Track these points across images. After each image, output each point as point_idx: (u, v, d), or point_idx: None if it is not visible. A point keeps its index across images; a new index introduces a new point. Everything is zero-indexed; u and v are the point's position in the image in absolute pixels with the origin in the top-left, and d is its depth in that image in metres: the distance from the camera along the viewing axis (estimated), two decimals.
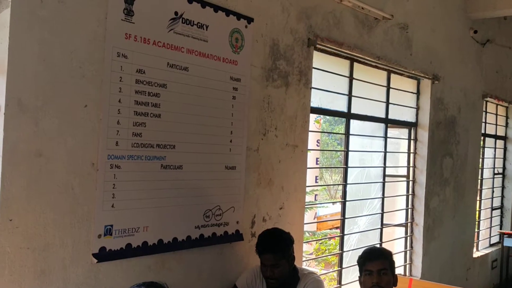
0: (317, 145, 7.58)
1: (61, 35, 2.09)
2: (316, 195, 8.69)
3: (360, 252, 4.18)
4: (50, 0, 2.04)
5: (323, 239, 7.45)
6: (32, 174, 2.01)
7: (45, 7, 2.03)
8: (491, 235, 6.99)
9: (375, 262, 2.55)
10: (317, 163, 7.65)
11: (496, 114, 6.94)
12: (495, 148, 7.01)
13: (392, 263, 2.63)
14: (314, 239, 6.57)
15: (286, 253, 2.65)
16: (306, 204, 3.47)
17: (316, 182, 8.37)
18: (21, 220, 1.98)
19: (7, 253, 1.95)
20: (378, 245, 2.86)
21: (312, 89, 3.42)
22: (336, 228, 9.35)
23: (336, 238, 7.40)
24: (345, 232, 4.05)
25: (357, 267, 4.14)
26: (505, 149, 7.31)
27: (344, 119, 4.01)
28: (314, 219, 7.95)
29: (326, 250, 7.30)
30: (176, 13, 2.51)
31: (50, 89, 2.06)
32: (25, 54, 1.98)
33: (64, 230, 2.11)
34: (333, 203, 10.20)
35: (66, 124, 2.11)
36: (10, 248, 1.96)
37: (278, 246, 2.63)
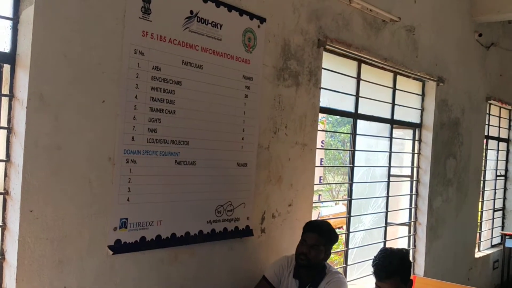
0: (322, 146, 7.62)
1: (82, 32, 2.14)
2: (320, 195, 8.74)
3: (364, 250, 4.27)
4: None
5: None
6: (51, 167, 2.07)
7: (67, 4, 2.09)
8: (493, 236, 7.04)
9: (384, 282, 2.43)
10: (321, 164, 7.68)
11: (499, 117, 7.00)
12: (497, 150, 7.07)
13: (404, 275, 2.46)
14: None
15: (328, 243, 2.78)
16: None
17: (320, 182, 8.42)
18: (41, 211, 2.04)
19: (27, 243, 2.01)
20: (391, 247, 2.67)
21: (321, 89, 3.47)
22: (339, 228, 9.41)
23: (340, 237, 7.47)
24: (351, 230, 4.10)
25: (361, 265, 4.22)
26: (507, 151, 7.36)
27: (347, 122, 4.06)
28: (318, 218, 8.00)
29: None
30: (191, 12, 2.57)
31: (70, 84, 2.11)
32: (47, 50, 2.03)
33: (81, 222, 2.17)
34: (336, 203, 10.25)
35: (85, 119, 2.17)
36: (30, 238, 2.01)
37: (325, 231, 2.79)
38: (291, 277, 2.81)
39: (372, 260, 2.53)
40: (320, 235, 2.74)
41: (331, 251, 2.85)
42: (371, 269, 2.51)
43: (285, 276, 2.83)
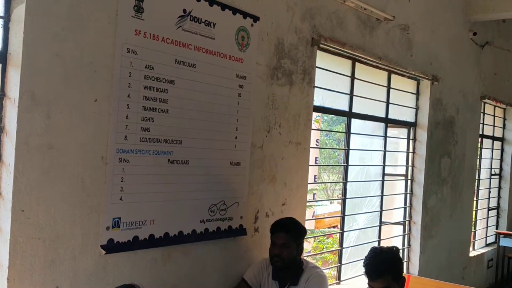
0: (317, 144, 7.64)
1: (74, 31, 2.13)
2: (314, 194, 8.76)
3: (358, 249, 4.27)
4: None
5: (323, 235, 7.53)
6: (43, 167, 2.06)
7: (59, 2, 2.08)
8: (487, 235, 7.06)
9: (376, 282, 2.40)
10: (316, 163, 7.69)
11: (494, 116, 7.02)
12: (492, 149, 7.08)
13: (396, 273, 2.43)
14: (313, 235, 6.64)
15: (297, 238, 2.77)
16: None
17: (315, 181, 8.45)
18: (33, 211, 2.03)
19: (19, 243, 2.00)
20: (381, 246, 2.65)
21: (315, 88, 3.47)
22: (334, 227, 9.44)
23: (334, 236, 7.49)
24: (345, 229, 4.11)
25: (355, 264, 4.23)
26: (502, 150, 7.38)
27: (342, 120, 4.06)
28: (312, 217, 8.02)
29: (324, 248, 7.36)
30: (184, 10, 2.56)
31: (62, 83, 2.10)
32: (38, 49, 2.02)
33: (74, 222, 2.16)
34: (331, 202, 10.26)
35: (77, 118, 2.16)
36: (21, 238, 2.00)
37: (292, 228, 2.78)
38: (270, 279, 2.83)
39: (363, 260, 2.53)
40: (288, 233, 2.74)
41: (303, 245, 2.85)
42: (363, 270, 2.51)
43: (265, 279, 2.85)
